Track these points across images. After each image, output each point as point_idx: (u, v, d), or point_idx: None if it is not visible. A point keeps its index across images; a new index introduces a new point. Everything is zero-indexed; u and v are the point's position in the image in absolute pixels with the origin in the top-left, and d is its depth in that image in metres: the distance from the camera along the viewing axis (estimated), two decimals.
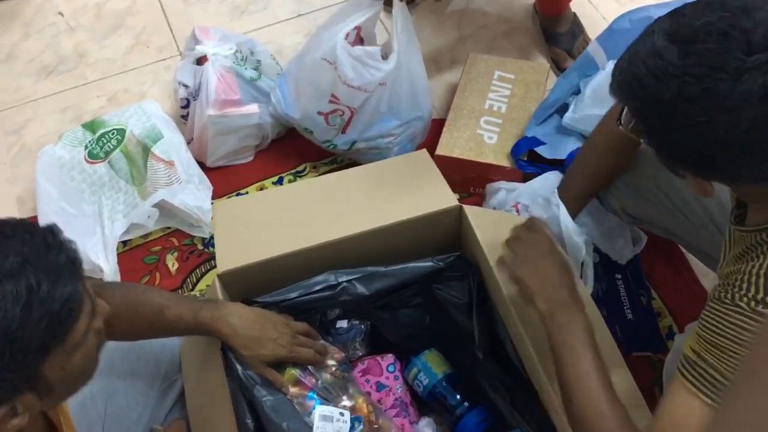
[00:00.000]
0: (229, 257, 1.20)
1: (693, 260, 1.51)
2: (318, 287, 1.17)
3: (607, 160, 1.27)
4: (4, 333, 0.69)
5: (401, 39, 1.49)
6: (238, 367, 1.06)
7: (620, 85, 0.80)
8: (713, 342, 0.82)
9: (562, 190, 1.32)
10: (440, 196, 1.25)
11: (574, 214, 1.31)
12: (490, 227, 1.22)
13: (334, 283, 1.18)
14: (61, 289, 0.73)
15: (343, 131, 1.60)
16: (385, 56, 1.53)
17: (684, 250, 1.52)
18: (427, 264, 1.21)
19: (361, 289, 1.18)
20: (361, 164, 1.69)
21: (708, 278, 1.49)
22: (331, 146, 1.64)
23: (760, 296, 0.79)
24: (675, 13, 0.77)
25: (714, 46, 0.72)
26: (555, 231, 1.28)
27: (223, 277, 1.18)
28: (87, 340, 0.79)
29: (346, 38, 1.54)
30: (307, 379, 1.12)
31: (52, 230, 0.79)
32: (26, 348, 0.71)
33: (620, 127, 0.89)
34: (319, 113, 1.59)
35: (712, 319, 0.83)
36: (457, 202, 1.23)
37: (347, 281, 1.18)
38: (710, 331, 0.83)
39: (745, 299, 0.80)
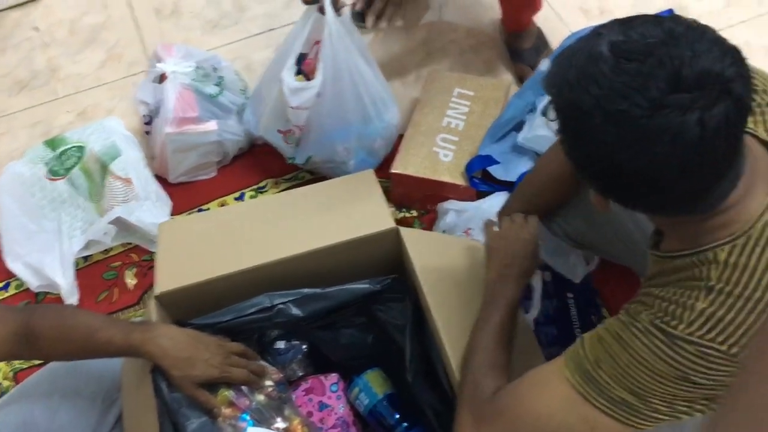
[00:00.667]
0: (168, 278, 1.21)
1: None
2: (253, 310, 1.17)
3: (547, 193, 1.26)
4: None
5: (328, 52, 1.48)
6: (165, 390, 1.07)
7: (551, 77, 0.78)
8: (604, 341, 0.84)
9: (503, 214, 1.32)
10: (378, 218, 1.25)
11: None
12: (426, 250, 1.22)
13: (269, 305, 1.18)
14: None
15: (298, 146, 1.62)
16: None
17: None
18: (364, 286, 1.21)
19: (296, 311, 1.19)
20: (322, 177, 1.71)
21: None
22: (293, 161, 1.66)
23: (658, 315, 0.80)
24: (626, 23, 0.74)
25: (645, 70, 0.70)
26: None
27: (161, 299, 1.19)
28: None
29: (302, 57, 1.55)
30: (240, 400, 1.13)
31: None
32: None
33: (546, 118, 0.89)
34: (279, 131, 1.62)
35: (614, 323, 0.85)
36: (393, 224, 1.23)
37: (282, 303, 1.19)
38: (607, 332, 0.85)
39: (647, 314, 0.81)
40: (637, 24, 0.73)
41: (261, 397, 1.15)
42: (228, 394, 1.12)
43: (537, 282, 1.37)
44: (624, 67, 0.70)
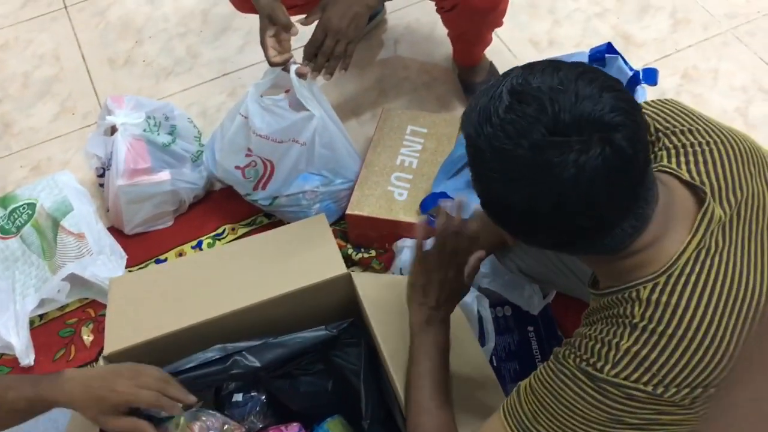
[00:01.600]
0: (117, 337, 1.19)
1: None
2: (206, 361, 1.16)
3: (494, 233, 1.26)
4: None
5: (316, 98, 1.50)
6: None
7: (464, 114, 0.81)
8: (537, 392, 0.85)
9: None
10: (330, 264, 1.25)
11: None
12: (378, 293, 1.22)
13: (224, 355, 1.17)
14: None
15: (264, 187, 1.61)
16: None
17: None
18: (320, 333, 1.20)
19: (252, 360, 1.17)
20: (282, 222, 1.70)
21: None
22: (254, 201, 1.65)
23: (586, 356, 0.81)
24: (529, 68, 0.77)
25: (530, 113, 0.72)
26: None
27: (111, 359, 1.17)
28: None
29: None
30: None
31: None
32: None
33: None
34: (236, 167, 1.61)
35: (543, 373, 0.86)
36: (345, 270, 1.23)
37: (238, 354, 1.17)
38: (537, 380, 0.85)
39: (575, 359, 0.82)
40: (538, 70, 0.76)
41: None
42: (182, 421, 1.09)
43: (484, 310, 1.35)
44: (515, 108, 0.73)
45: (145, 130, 1.66)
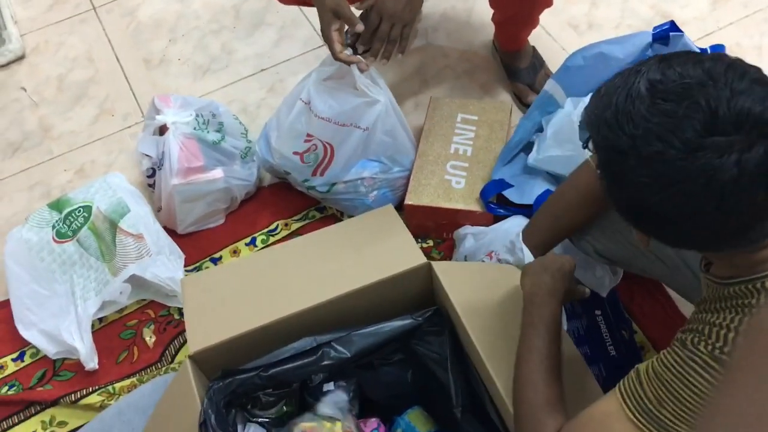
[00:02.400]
0: (201, 336, 1.18)
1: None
2: (297, 352, 1.15)
3: (575, 214, 1.26)
4: None
5: (379, 84, 1.51)
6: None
7: (589, 114, 0.78)
8: (662, 377, 0.82)
9: (527, 236, 1.31)
10: (408, 255, 1.24)
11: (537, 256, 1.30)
12: (460, 281, 1.21)
13: (314, 346, 1.16)
14: None
15: (322, 173, 1.59)
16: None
17: None
18: (407, 321, 1.19)
19: (342, 351, 1.16)
20: (335, 213, 1.69)
21: (688, 307, 1.48)
22: (311, 188, 1.63)
23: (719, 344, 0.79)
24: (665, 61, 0.74)
25: (681, 112, 0.69)
26: None
27: (196, 358, 1.16)
28: None
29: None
30: None
31: None
32: None
33: (588, 151, 0.88)
34: (295, 153, 1.59)
35: (669, 358, 0.84)
36: (425, 260, 1.22)
37: (327, 344, 1.16)
38: (663, 366, 0.83)
39: (705, 345, 0.80)
40: (677, 63, 0.73)
41: None
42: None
43: None
44: (660, 107, 0.71)
45: (195, 129, 1.64)
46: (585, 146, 0.85)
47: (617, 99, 0.73)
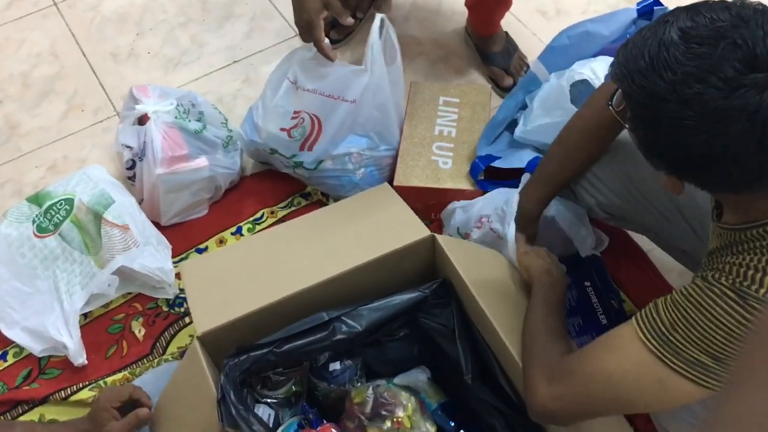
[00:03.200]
0: (207, 318, 1.17)
1: (655, 257, 1.55)
2: (309, 327, 1.14)
3: (583, 150, 1.26)
4: None
5: (375, 56, 1.48)
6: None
7: (620, 67, 0.80)
8: (679, 304, 0.86)
9: (527, 193, 1.31)
10: (411, 228, 1.25)
11: (534, 216, 1.32)
12: (464, 253, 1.22)
13: (326, 320, 1.15)
14: None
15: (310, 148, 1.58)
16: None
17: (644, 249, 1.56)
18: (414, 294, 1.20)
19: (353, 325, 1.16)
20: (321, 199, 1.69)
21: (672, 274, 1.53)
22: (298, 165, 1.61)
23: (739, 280, 0.82)
24: (691, 10, 0.77)
25: (717, 53, 0.72)
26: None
27: (203, 339, 1.15)
28: None
29: None
30: None
31: None
32: None
33: (610, 107, 0.90)
34: (282, 129, 1.58)
35: (688, 289, 0.87)
36: (429, 232, 1.23)
37: (338, 319, 1.16)
38: (682, 296, 0.86)
39: (728, 279, 0.83)
40: (705, 9, 0.76)
41: None
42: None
43: None
44: (696, 51, 0.73)
45: (176, 117, 1.62)
46: (609, 103, 0.88)
47: (649, 49, 0.76)
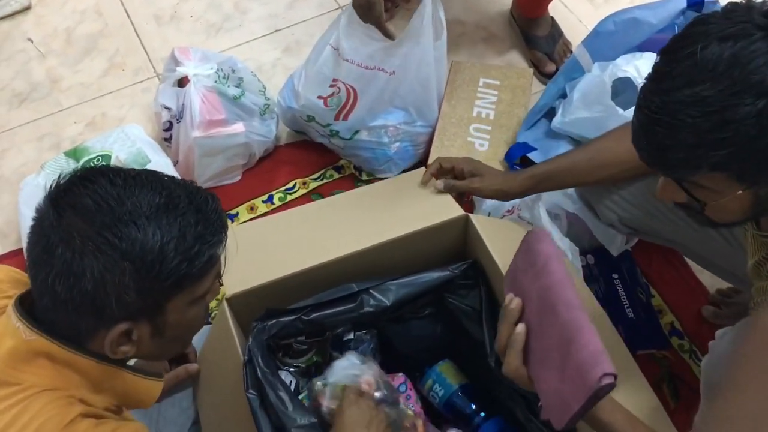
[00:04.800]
0: (236, 281, 1.17)
1: None
2: (338, 296, 1.14)
3: (593, 171, 1.23)
4: (158, 254, 0.75)
5: (424, 29, 1.46)
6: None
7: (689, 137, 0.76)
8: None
9: (537, 166, 1.29)
10: (445, 207, 1.24)
11: (520, 187, 1.27)
12: (496, 234, 1.22)
13: (354, 291, 1.15)
14: (211, 240, 0.81)
15: (345, 117, 1.58)
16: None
17: None
18: (444, 273, 1.20)
19: (381, 299, 1.16)
20: (354, 173, 1.68)
21: (704, 274, 1.51)
22: (333, 134, 1.61)
23: None
24: None
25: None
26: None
27: (231, 301, 1.16)
28: (204, 301, 0.87)
29: None
30: None
31: (215, 197, 0.84)
32: (167, 275, 0.77)
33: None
34: (319, 97, 1.58)
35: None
36: (462, 212, 1.23)
37: (366, 291, 1.16)
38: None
39: None
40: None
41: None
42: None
43: (575, 259, 1.36)
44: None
45: (216, 82, 1.62)
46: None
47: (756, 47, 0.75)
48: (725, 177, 0.79)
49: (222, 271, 0.89)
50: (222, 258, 0.86)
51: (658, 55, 0.80)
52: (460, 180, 1.27)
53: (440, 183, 1.27)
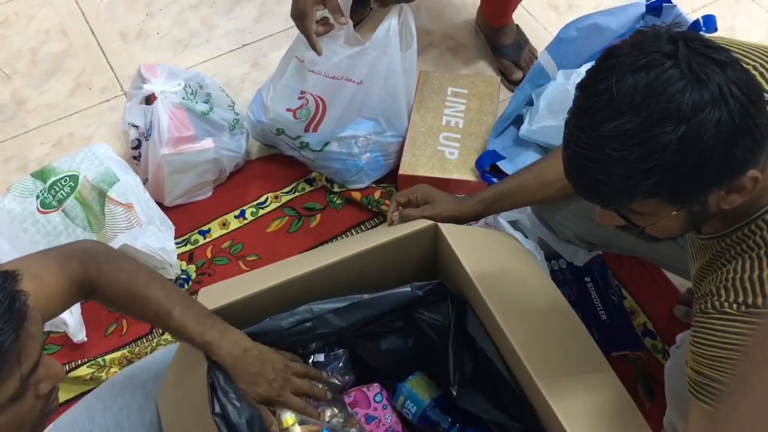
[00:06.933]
0: (206, 300, 1.16)
1: None
2: (294, 320, 1.13)
3: (538, 191, 1.26)
4: None
5: (390, 39, 1.47)
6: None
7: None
8: (707, 355, 0.83)
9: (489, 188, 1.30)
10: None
11: (473, 211, 1.30)
12: (466, 242, 1.22)
13: (311, 316, 1.15)
14: None
15: (315, 129, 1.58)
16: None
17: None
18: (407, 291, 1.18)
19: (337, 321, 1.15)
20: (325, 185, 1.68)
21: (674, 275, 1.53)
22: (303, 146, 1.62)
23: (741, 299, 0.81)
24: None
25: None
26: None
27: None
28: (16, 406, 0.71)
29: None
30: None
31: (8, 275, 0.71)
32: None
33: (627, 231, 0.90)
34: (288, 110, 1.58)
35: (701, 333, 0.84)
36: (431, 221, 1.23)
37: (324, 314, 1.15)
38: (701, 344, 0.84)
39: (731, 305, 0.81)
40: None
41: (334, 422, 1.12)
42: (293, 418, 1.09)
43: (542, 262, 1.37)
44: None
45: (183, 98, 1.62)
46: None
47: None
48: (658, 201, 0.79)
49: (36, 365, 0.73)
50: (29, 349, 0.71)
51: (576, 89, 0.81)
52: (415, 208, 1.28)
53: (396, 215, 1.28)
